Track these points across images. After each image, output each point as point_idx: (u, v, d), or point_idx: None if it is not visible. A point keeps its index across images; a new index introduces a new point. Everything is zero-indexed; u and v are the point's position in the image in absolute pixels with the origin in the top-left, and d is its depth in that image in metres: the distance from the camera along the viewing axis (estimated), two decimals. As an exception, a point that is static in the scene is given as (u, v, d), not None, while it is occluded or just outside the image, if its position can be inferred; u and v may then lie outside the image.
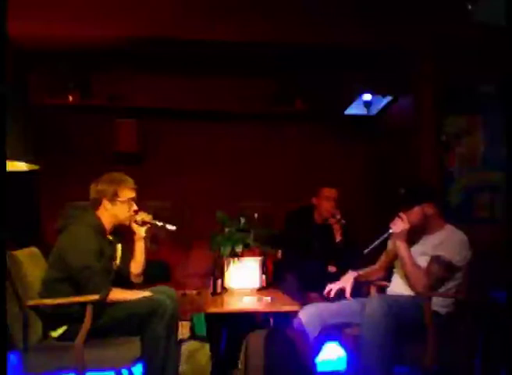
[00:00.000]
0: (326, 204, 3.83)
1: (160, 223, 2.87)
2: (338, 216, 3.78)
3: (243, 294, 3.17)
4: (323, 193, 3.86)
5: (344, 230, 3.81)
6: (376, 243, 2.76)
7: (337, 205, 3.84)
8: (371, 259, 3.10)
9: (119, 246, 2.82)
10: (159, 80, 4.68)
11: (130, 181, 2.73)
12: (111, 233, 2.74)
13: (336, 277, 3.00)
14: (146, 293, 2.62)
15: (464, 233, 2.68)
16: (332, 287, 2.85)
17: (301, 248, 3.78)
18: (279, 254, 3.85)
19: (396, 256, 2.87)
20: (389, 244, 3.02)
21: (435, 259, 2.61)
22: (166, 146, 4.77)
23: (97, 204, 2.68)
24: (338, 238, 3.79)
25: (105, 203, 2.66)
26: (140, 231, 2.83)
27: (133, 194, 2.73)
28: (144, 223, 2.82)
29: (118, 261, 2.78)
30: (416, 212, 2.70)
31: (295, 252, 3.74)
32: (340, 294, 2.86)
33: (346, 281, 2.87)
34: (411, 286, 2.66)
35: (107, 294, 2.44)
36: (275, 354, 2.64)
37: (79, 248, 2.49)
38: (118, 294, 2.52)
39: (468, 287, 2.61)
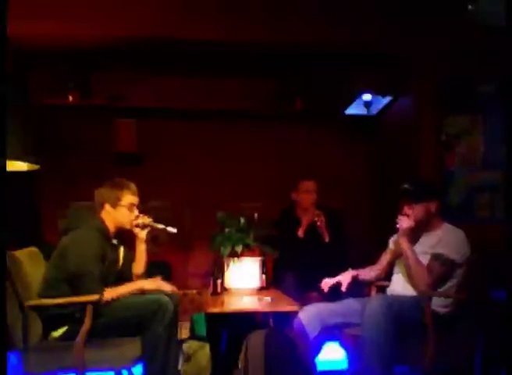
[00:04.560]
0: (307, 196, 3.82)
1: (161, 226, 2.94)
2: (317, 212, 3.74)
3: (243, 294, 3.18)
4: (302, 186, 3.86)
5: (333, 228, 3.78)
6: None
7: (317, 197, 3.82)
8: (372, 259, 3.11)
9: (122, 249, 2.87)
10: (159, 80, 4.67)
11: (133, 187, 2.81)
12: (115, 237, 2.80)
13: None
14: (139, 283, 2.67)
15: (463, 232, 2.69)
16: (328, 281, 2.87)
17: (292, 248, 3.74)
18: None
19: (396, 256, 2.87)
20: (390, 243, 3.02)
21: (435, 257, 2.62)
22: (166, 146, 4.76)
23: (99, 208, 2.76)
24: (326, 239, 3.77)
25: (107, 207, 2.74)
26: (142, 234, 2.91)
27: (134, 200, 2.81)
28: (144, 226, 2.90)
29: (120, 263, 2.84)
30: (421, 208, 2.71)
31: (288, 253, 3.69)
32: (336, 290, 2.86)
33: (344, 277, 2.89)
34: (414, 284, 2.65)
35: (101, 298, 2.45)
36: (275, 354, 2.64)
37: (80, 252, 2.53)
38: (112, 292, 2.53)
39: (468, 286, 2.61)
